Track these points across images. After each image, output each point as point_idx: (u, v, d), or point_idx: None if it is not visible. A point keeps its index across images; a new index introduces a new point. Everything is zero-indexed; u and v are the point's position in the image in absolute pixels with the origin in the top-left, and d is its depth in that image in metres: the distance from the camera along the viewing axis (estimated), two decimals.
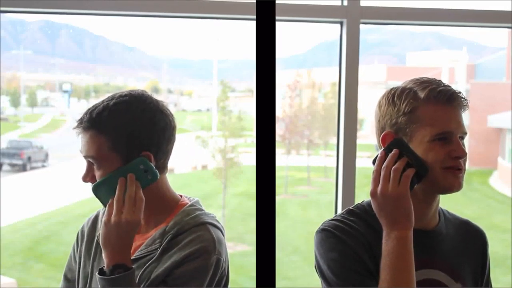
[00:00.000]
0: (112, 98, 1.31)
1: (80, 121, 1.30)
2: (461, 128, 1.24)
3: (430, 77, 1.27)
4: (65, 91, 16.09)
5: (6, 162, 12.45)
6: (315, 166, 13.04)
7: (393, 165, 1.22)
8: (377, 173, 1.23)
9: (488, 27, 2.37)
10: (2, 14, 2.16)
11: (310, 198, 12.38)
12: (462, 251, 1.32)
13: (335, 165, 2.23)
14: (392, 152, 1.23)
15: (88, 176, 1.32)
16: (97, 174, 1.31)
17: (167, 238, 1.29)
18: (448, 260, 1.29)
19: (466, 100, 1.26)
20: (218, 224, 1.35)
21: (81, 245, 1.42)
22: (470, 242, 1.35)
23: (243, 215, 11.16)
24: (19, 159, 12.38)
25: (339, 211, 2.07)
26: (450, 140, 1.23)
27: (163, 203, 1.36)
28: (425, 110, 1.22)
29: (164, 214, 1.35)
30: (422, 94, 1.23)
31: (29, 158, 12.56)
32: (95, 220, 1.44)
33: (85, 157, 1.31)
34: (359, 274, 1.21)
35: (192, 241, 1.27)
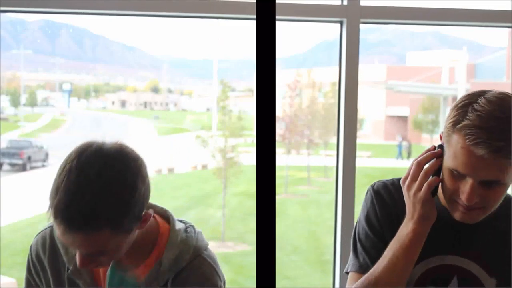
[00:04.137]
0: None
1: None
2: (482, 175, 1.14)
3: (499, 98, 1.15)
4: (65, 91, 16.12)
5: (6, 162, 12.44)
6: (315, 165, 13.03)
7: (426, 164, 1.24)
8: (414, 167, 1.24)
9: (488, 26, 2.34)
10: (2, 14, 2.14)
11: (310, 198, 12.35)
12: (502, 242, 1.28)
13: (335, 165, 2.22)
14: (431, 152, 1.24)
15: None
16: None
17: (169, 280, 1.23)
18: (482, 251, 1.28)
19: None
20: (203, 242, 1.29)
21: (44, 276, 1.30)
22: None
23: (243, 214, 11.13)
24: (19, 159, 12.37)
25: (339, 210, 2.15)
26: (465, 180, 1.16)
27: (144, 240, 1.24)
28: (455, 139, 1.16)
29: (146, 248, 1.26)
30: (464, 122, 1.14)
31: (29, 158, 12.56)
32: (52, 247, 1.30)
33: None
34: (372, 241, 1.30)
35: (199, 282, 1.23)
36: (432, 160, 1.23)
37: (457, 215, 1.21)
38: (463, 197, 1.17)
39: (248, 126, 11.93)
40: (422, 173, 1.22)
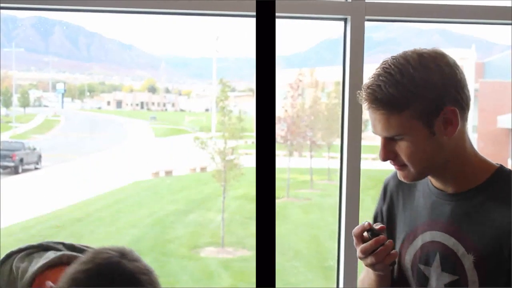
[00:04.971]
0: None
1: None
2: (379, 131, 1.26)
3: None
4: (59, 91, 16.19)
5: None
6: (318, 168, 12.98)
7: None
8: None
9: (498, 24, 2.26)
10: None
11: (313, 201, 12.34)
12: (489, 222, 1.24)
13: (338, 167, 2.20)
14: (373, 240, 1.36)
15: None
16: None
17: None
18: (461, 226, 1.27)
19: (372, 93, 1.22)
20: None
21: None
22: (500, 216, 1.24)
23: (244, 218, 11.11)
24: (11, 161, 12.34)
25: (343, 215, 2.17)
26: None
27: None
28: None
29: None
30: None
31: (21, 160, 12.53)
32: None
33: None
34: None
35: None
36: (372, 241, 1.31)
37: (400, 176, 1.31)
38: (380, 155, 1.27)
39: (249, 127, 12.06)
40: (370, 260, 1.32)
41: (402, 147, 1.23)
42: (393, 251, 1.32)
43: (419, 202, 1.35)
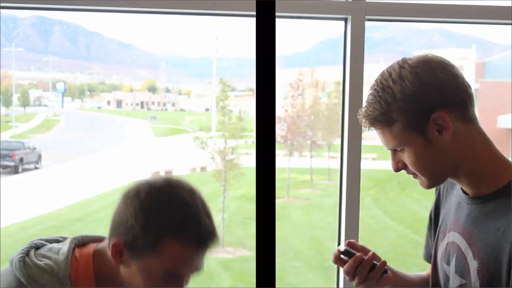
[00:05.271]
0: None
1: None
2: (384, 144, 1.29)
3: None
4: (59, 90, 16.21)
5: None
6: (318, 168, 12.99)
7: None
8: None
9: (498, 24, 2.25)
10: None
11: (313, 201, 12.35)
12: (493, 231, 1.21)
13: (339, 167, 2.20)
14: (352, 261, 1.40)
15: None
16: None
17: None
18: (473, 232, 1.26)
19: None
20: None
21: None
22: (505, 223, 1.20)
23: (244, 218, 11.10)
24: (11, 161, 12.37)
25: (343, 215, 2.15)
26: None
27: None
28: None
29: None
30: None
31: (21, 160, 12.56)
32: None
33: None
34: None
35: None
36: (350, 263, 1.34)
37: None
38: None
39: (249, 127, 12.01)
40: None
41: (406, 158, 1.24)
42: (378, 265, 1.33)
43: (451, 201, 1.36)
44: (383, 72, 1.24)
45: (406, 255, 9.60)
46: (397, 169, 1.28)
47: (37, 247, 1.24)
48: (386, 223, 11.15)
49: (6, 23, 15.95)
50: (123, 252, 1.15)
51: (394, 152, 1.27)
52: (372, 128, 1.25)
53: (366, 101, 1.24)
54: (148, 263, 1.15)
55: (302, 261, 9.61)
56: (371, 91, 1.24)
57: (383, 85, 1.21)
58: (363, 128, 1.28)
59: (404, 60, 1.22)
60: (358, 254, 1.33)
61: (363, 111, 1.25)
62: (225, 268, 8.93)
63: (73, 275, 1.19)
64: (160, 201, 1.14)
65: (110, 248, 1.15)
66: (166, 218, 1.12)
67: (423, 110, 1.19)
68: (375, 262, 1.33)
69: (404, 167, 1.27)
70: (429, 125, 1.20)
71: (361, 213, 2.14)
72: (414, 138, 1.21)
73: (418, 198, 12.63)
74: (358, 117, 1.28)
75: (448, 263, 1.32)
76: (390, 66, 1.24)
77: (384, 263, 1.35)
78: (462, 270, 1.27)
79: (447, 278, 1.33)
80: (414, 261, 9.15)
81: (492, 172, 1.24)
